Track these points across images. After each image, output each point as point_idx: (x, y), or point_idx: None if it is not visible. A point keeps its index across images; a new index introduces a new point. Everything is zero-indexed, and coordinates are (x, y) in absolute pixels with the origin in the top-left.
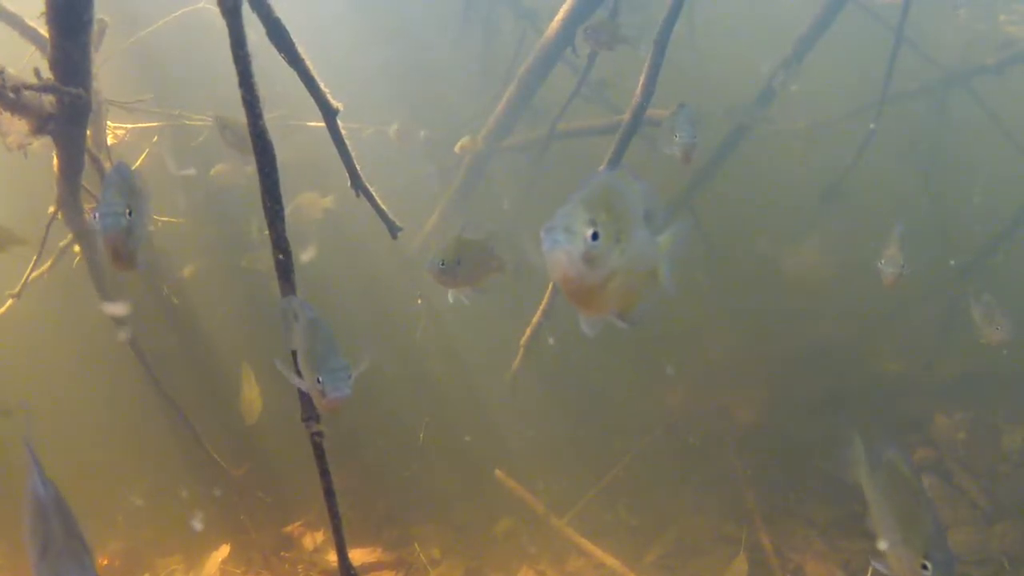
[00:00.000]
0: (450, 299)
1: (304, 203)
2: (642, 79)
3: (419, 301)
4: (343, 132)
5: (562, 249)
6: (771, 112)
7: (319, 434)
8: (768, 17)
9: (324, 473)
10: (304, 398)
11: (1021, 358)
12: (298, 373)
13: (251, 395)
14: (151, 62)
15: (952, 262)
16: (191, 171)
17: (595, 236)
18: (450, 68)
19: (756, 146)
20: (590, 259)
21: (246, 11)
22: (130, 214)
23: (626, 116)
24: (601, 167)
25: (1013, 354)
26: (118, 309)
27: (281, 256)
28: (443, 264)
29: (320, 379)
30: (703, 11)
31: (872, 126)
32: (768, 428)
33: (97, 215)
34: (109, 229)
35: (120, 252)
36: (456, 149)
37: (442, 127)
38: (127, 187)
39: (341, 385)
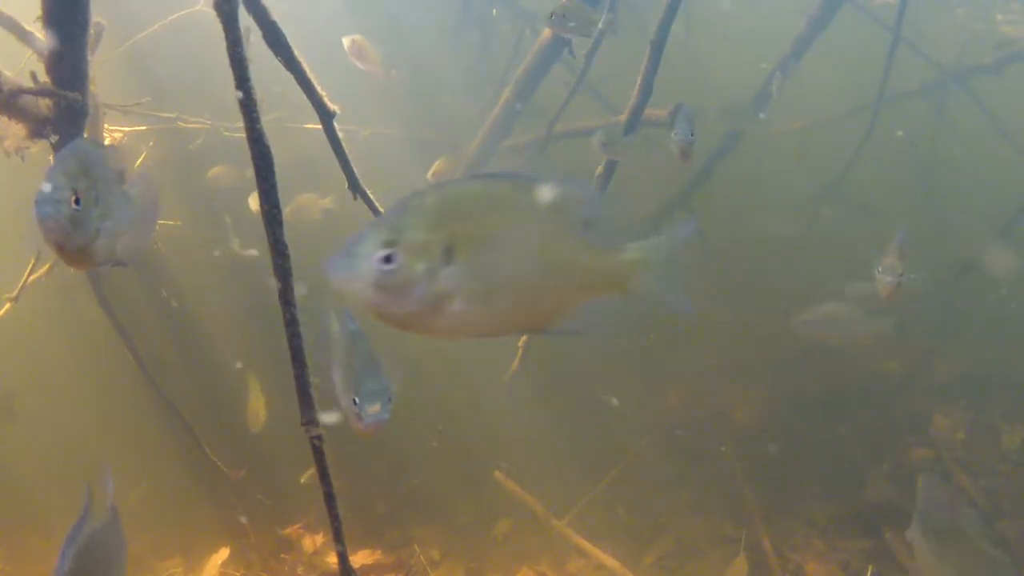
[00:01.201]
0: None
1: (303, 204)
2: (639, 80)
3: None
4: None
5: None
6: (768, 112)
7: (319, 438)
8: (765, 18)
9: (325, 477)
10: (304, 400)
11: (1021, 358)
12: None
13: (256, 404)
14: (148, 64)
15: None
16: (254, 252)
17: (388, 259)
18: (447, 69)
19: (755, 146)
20: (383, 285)
21: (243, 14)
22: (77, 202)
23: (623, 117)
24: (598, 170)
25: (1013, 354)
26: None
27: (280, 260)
28: None
29: (356, 401)
30: (700, 13)
31: (899, 133)
32: (767, 428)
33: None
34: (45, 219)
35: (64, 247)
36: (429, 176)
37: (439, 129)
38: (81, 169)
39: (377, 411)
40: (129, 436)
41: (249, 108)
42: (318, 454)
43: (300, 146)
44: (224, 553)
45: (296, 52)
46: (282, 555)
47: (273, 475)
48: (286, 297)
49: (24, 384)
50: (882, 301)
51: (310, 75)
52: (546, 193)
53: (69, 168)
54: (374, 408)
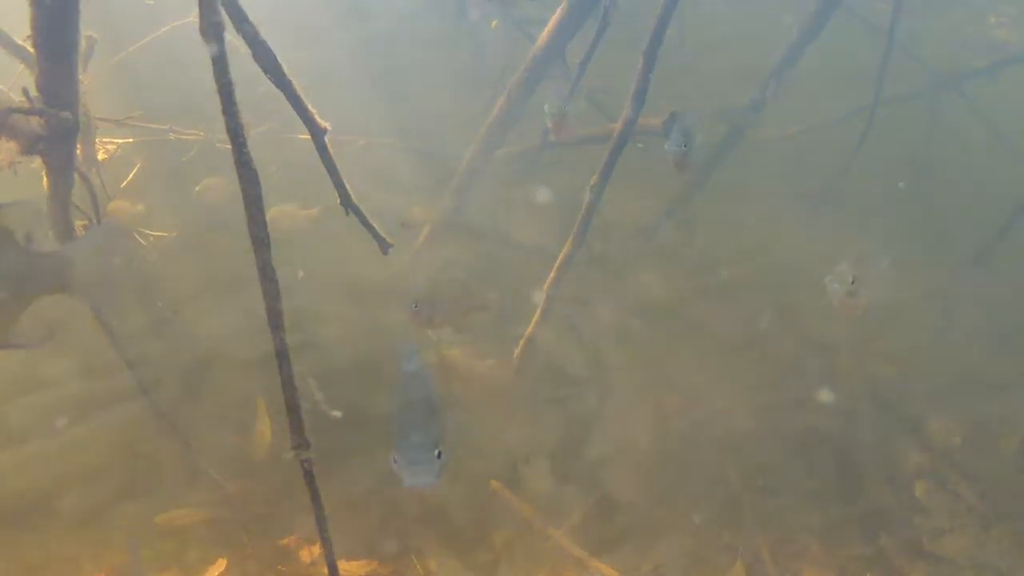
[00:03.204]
0: (432, 338)
1: (279, 216)
2: (632, 90)
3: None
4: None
5: None
6: (762, 117)
7: (309, 461)
8: (760, 25)
9: (316, 500)
10: (295, 424)
11: (1018, 361)
12: None
13: (262, 427)
14: (140, 75)
15: None
16: (338, 414)
17: None
18: (442, 76)
19: (751, 150)
20: None
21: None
22: None
23: (616, 127)
24: (593, 180)
25: (1011, 356)
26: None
27: (268, 284)
28: (416, 306)
29: (395, 459)
30: (694, 18)
31: (902, 184)
32: (763, 433)
33: None
34: None
35: None
36: (401, 224)
37: (433, 137)
38: None
39: (419, 472)
40: (124, 447)
41: (236, 134)
42: (309, 477)
43: (299, 151)
44: (221, 564)
45: (286, 69)
46: (279, 567)
47: (270, 485)
48: (275, 322)
49: (24, 395)
50: (839, 314)
51: (300, 92)
52: None
53: None
54: (415, 469)
